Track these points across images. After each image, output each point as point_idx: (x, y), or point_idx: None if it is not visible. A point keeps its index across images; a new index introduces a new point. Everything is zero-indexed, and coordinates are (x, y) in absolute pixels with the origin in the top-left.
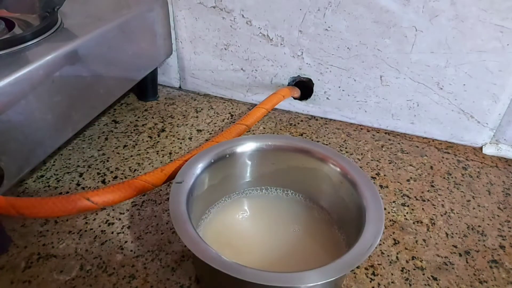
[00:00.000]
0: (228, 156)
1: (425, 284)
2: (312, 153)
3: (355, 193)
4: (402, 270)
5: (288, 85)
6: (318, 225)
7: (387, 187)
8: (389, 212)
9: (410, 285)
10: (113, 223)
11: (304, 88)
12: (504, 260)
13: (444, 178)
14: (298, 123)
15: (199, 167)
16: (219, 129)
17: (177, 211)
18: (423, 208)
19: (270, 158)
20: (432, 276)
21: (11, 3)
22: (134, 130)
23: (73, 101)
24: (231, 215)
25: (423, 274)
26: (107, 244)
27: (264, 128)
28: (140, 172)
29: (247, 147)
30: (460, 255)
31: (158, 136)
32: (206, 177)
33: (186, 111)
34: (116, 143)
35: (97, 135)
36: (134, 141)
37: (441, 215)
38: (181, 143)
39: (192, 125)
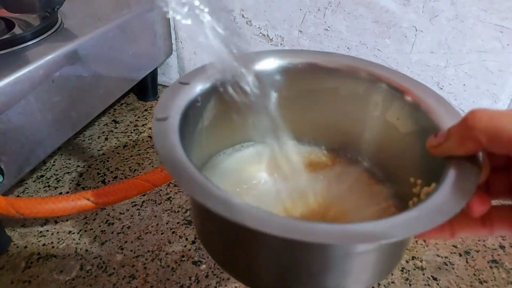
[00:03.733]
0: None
1: (425, 284)
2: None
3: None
4: (402, 270)
5: None
6: (354, 183)
7: None
8: None
9: (410, 285)
10: (113, 223)
11: None
12: (504, 260)
13: None
14: None
15: (187, 98)
16: None
17: (172, 157)
18: None
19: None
20: (432, 276)
21: (11, 3)
22: (134, 130)
23: (73, 101)
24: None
25: (423, 274)
26: (107, 244)
27: None
28: (140, 172)
29: (260, 66)
30: (460, 255)
31: None
32: (199, 113)
33: None
34: (116, 143)
35: (97, 135)
36: (134, 141)
37: None
38: None
39: None
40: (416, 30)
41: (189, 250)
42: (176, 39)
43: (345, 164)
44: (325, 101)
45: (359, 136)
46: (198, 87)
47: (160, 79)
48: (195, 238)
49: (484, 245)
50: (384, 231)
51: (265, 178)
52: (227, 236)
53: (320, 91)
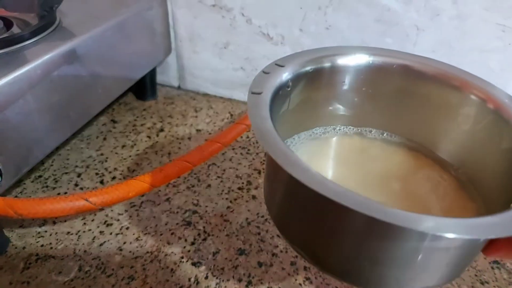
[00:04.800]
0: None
1: None
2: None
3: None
4: None
5: None
6: (436, 187)
7: None
8: None
9: None
10: (111, 224)
11: None
12: (506, 261)
13: None
14: None
15: (280, 80)
16: (219, 128)
17: (263, 127)
18: None
19: (384, 82)
20: None
21: (9, 2)
22: (132, 130)
23: (71, 101)
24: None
25: None
26: (105, 245)
27: None
28: (139, 173)
29: (352, 60)
30: None
31: (157, 136)
32: (287, 96)
33: (185, 110)
34: (114, 143)
35: (95, 135)
36: (132, 141)
37: None
38: (180, 143)
39: (191, 125)
40: (418, 29)
41: (188, 251)
42: (175, 38)
43: (423, 165)
44: (414, 104)
45: (444, 144)
46: (291, 72)
47: (159, 78)
48: (194, 239)
49: None
50: (462, 227)
51: (335, 169)
52: (308, 210)
53: (410, 94)
